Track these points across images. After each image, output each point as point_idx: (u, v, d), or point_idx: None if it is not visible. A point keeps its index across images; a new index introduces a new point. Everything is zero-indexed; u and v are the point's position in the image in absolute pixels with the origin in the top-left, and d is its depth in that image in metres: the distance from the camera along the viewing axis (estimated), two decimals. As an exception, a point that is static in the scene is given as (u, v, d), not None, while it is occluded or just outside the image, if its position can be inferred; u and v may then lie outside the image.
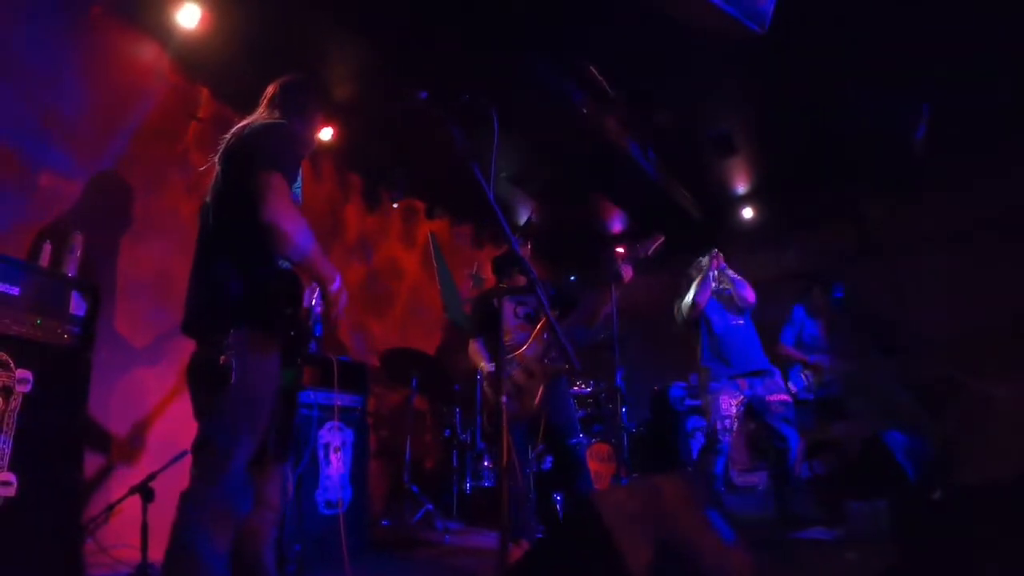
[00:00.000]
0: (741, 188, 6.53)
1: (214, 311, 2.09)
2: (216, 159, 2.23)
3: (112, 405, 3.59)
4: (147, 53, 4.13)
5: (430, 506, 4.80)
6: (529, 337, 3.64)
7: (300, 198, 2.34)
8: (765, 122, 5.59)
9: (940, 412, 5.40)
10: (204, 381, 2.09)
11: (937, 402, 5.47)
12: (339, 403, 4.14)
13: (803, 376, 5.41)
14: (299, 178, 2.32)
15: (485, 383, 3.66)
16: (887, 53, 4.57)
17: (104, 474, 3.49)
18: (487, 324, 3.91)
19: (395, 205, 5.98)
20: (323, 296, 2.18)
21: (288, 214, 2.00)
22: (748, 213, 6.71)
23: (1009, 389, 4.96)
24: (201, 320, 2.13)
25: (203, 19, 3.91)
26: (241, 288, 2.07)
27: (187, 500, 1.94)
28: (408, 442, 4.89)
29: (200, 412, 2.12)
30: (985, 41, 4.41)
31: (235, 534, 2.06)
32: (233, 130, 2.23)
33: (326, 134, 5.25)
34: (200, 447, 2.04)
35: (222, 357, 2.01)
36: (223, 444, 1.99)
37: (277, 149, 2.12)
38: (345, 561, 2.96)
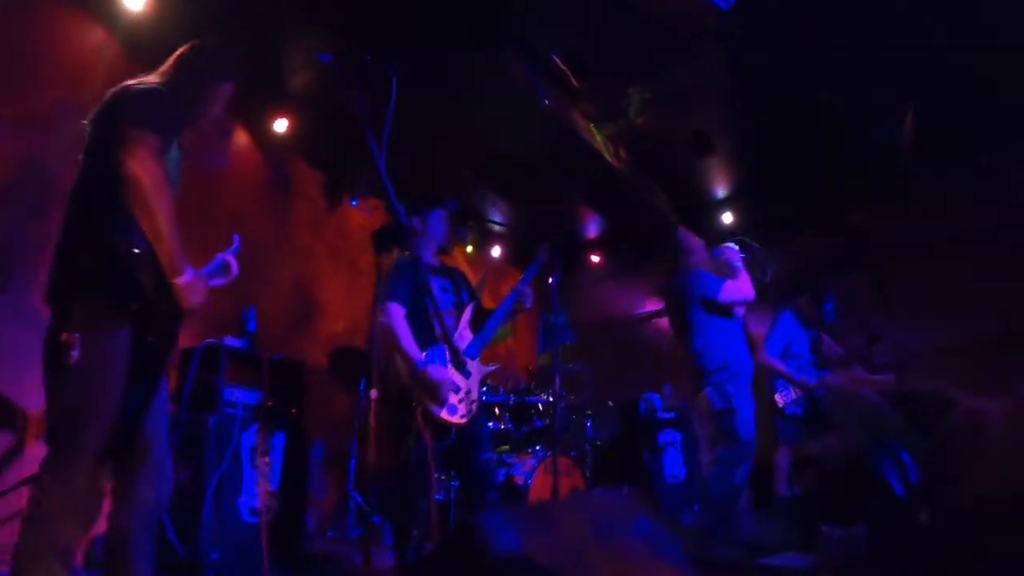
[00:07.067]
0: (720, 192, 6.27)
1: (63, 278, 1.93)
2: (88, 121, 2.09)
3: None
4: (93, 36, 4.03)
5: (377, 518, 4.50)
6: (457, 325, 3.21)
7: (176, 174, 2.14)
8: (746, 123, 5.37)
9: (929, 428, 5.11)
10: (47, 359, 1.89)
11: (926, 418, 5.18)
12: (268, 404, 3.89)
13: (792, 389, 4.94)
14: (175, 150, 2.14)
15: (417, 378, 2.89)
16: (872, 56, 4.39)
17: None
18: (416, 299, 3.05)
19: (354, 204, 5.76)
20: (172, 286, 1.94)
21: (151, 172, 1.86)
22: (728, 218, 6.43)
23: (1001, 404, 4.69)
24: (52, 286, 1.95)
25: (149, 1, 3.87)
26: (92, 255, 1.90)
27: (33, 492, 1.80)
28: (354, 450, 4.63)
29: (46, 395, 1.91)
30: (970, 47, 4.23)
31: (104, 534, 1.95)
32: (111, 91, 2.09)
33: (280, 126, 5.09)
34: (47, 436, 1.87)
35: (64, 334, 1.83)
36: (65, 432, 1.82)
37: (151, 111, 2.00)
38: (266, 573, 2.85)
